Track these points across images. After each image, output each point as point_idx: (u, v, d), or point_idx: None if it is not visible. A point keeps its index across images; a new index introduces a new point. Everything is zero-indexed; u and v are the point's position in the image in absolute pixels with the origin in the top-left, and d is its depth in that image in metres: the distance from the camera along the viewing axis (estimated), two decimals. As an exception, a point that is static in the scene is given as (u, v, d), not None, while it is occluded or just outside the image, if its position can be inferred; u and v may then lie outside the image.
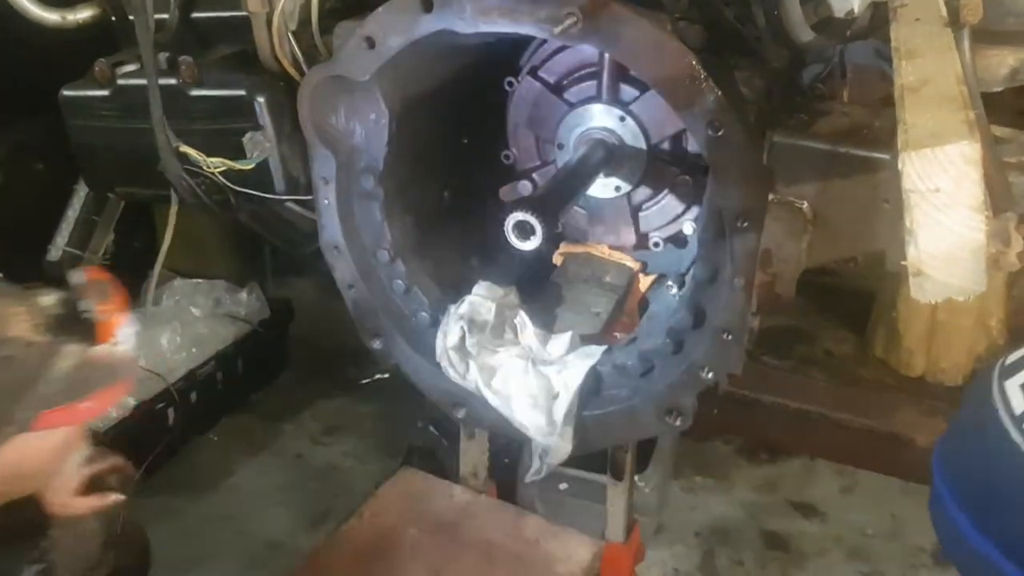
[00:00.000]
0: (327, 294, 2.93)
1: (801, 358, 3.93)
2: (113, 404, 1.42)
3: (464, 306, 2.02)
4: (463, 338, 1.99)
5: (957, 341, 3.62)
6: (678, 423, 1.84)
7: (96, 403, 1.36)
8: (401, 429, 3.23)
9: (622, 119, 2.07)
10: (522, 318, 2.06)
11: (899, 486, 3.00)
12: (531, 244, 1.82)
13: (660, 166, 2.12)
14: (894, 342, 3.87)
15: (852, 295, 3.85)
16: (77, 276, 1.45)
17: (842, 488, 3.19)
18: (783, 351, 3.88)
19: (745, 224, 1.59)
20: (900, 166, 0.99)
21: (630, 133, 2.08)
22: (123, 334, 1.45)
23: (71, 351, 1.31)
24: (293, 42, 1.86)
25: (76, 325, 1.38)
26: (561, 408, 1.91)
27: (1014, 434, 1.08)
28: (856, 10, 1.44)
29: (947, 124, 1.01)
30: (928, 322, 3.73)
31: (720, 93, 1.52)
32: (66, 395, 1.30)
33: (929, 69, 1.17)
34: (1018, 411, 1.09)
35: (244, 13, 1.86)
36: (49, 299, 1.39)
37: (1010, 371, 1.14)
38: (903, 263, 1.04)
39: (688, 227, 2.19)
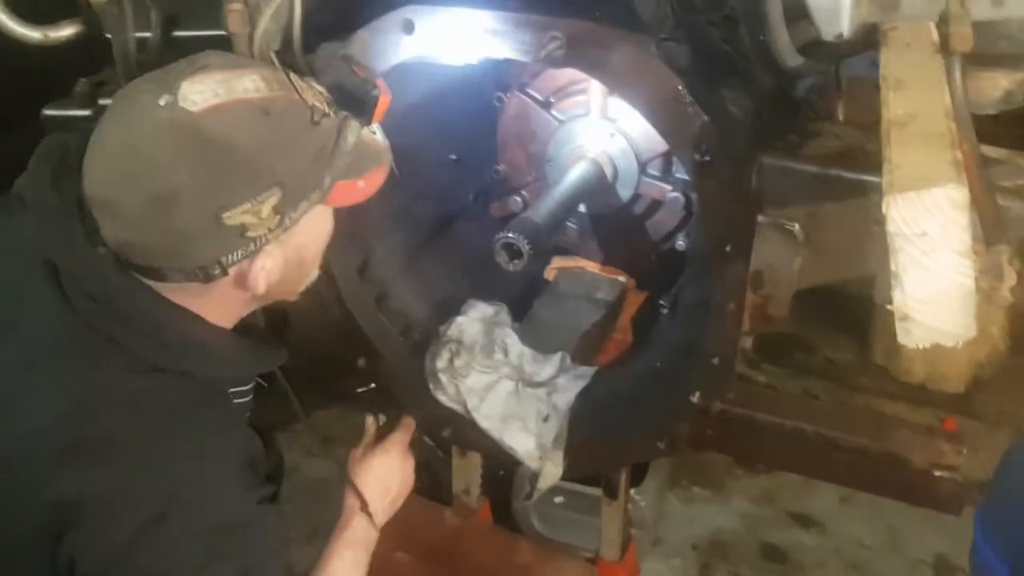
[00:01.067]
0: (321, 302, 2.91)
1: (800, 366, 3.90)
2: (378, 187, 1.48)
3: (452, 327, 2.00)
4: (451, 359, 1.97)
5: (958, 348, 3.59)
6: (669, 448, 1.81)
7: (368, 183, 1.44)
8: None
9: (612, 136, 2.05)
10: (512, 337, 2.04)
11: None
12: (517, 265, 1.81)
13: (651, 183, 2.10)
14: (894, 349, 3.83)
15: (852, 301, 3.80)
16: (347, 61, 1.50)
17: (840, 499, 3.16)
18: (782, 359, 3.85)
19: (732, 250, 1.57)
20: (885, 209, 0.96)
21: (620, 150, 2.06)
22: (377, 126, 1.52)
23: (354, 126, 1.39)
24: (276, 62, 1.82)
25: (349, 105, 1.41)
26: (551, 431, 1.89)
27: None
28: (845, 33, 1.40)
29: (934, 166, 0.98)
30: (928, 329, 3.70)
31: (707, 118, 1.50)
32: (351, 168, 1.38)
33: (917, 102, 1.13)
34: None
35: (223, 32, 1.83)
36: (316, 83, 1.43)
37: None
38: (888, 307, 1.01)
39: (680, 243, 2.16)
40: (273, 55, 1.83)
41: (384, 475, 1.78)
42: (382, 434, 1.84)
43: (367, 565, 1.69)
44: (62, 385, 1.28)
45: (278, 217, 1.28)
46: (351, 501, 1.73)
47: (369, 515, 1.71)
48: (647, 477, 2.91)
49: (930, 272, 0.97)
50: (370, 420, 1.88)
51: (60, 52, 2.10)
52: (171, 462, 1.28)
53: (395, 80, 1.76)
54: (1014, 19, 1.41)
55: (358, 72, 1.46)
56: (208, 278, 1.28)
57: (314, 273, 1.52)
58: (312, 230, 1.39)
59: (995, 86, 1.44)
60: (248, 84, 1.28)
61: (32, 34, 2.07)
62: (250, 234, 1.27)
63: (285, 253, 1.35)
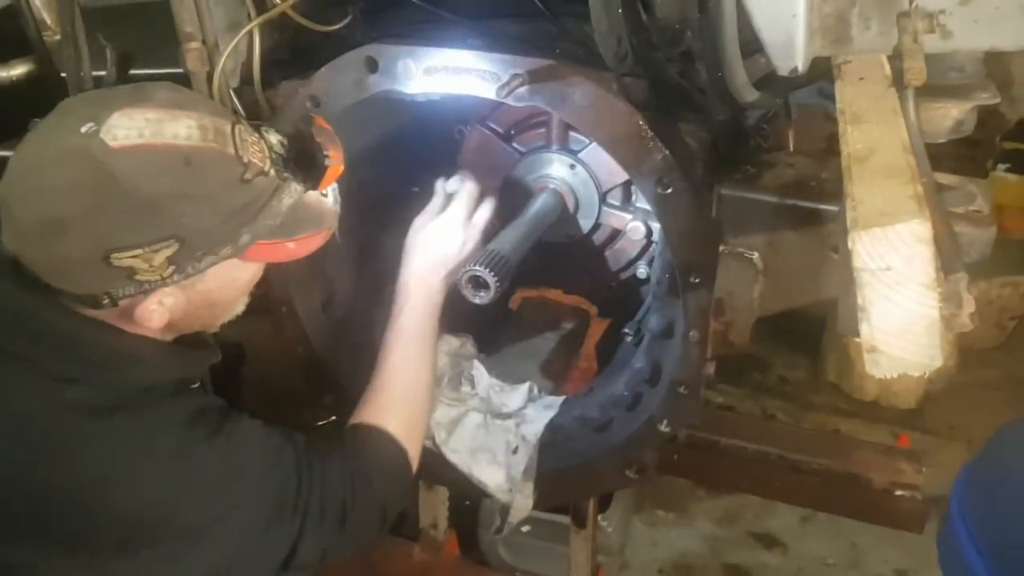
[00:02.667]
0: (279, 333, 2.88)
1: (756, 386, 3.97)
2: (313, 249, 1.45)
3: None
4: None
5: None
6: (638, 477, 1.82)
7: (300, 245, 1.41)
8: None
9: (572, 167, 2.07)
10: (479, 369, 2.04)
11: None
12: (485, 298, 1.81)
13: (612, 212, 2.12)
14: (846, 367, 3.93)
15: (804, 321, 3.89)
16: (306, 122, 1.46)
17: (802, 518, 3.21)
18: (738, 379, 3.91)
19: (697, 279, 1.59)
20: (850, 245, 0.99)
21: (581, 181, 2.08)
22: (332, 188, 1.50)
23: (294, 190, 1.37)
24: (235, 99, 1.82)
25: (297, 167, 1.41)
26: (521, 463, 1.89)
27: None
28: (800, 67, 1.44)
29: (896, 201, 1.01)
30: (879, 347, 3.78)
31: (667, 152, 1.52)
32: (282, 229, 1.36)
33: (875, 136, 1.17)
34: None
35: (181, 71, 1.82)
36: (275, 137, 1.42)
37: None
38: (856, 339, 1.03)
39: (641, 271, 2.19)
40: (232, 93, 1.83)
41: (444, 244, 1.81)
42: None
43: (433, 338, 1.78)
44: None
45: (172, 267, 1.25)
46: (407, 275, 1.79)
47: (427, 289, 1.77)
48: (613, 503, 2.93)
49: (896, 305, 1.00)
50: (439, 183, 1.90)
51: (12, 91, 2.08)
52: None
53: (357, 116, 1.77)
54: (962, 51, 1.47)
55: (317, 136, 1.43)
56: (96, 306, 1.27)
57: (237, 308, 1.50)
58: (222, 280, 1.36)
59: (946, 116, 1.49)
60: (181, 129, 1.25)
61: (-18, 73, 2.04)
62: (139, 278, 1.25)
63: (188, 296, 1.33)
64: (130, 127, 1.21)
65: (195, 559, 1.35)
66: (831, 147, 1.96)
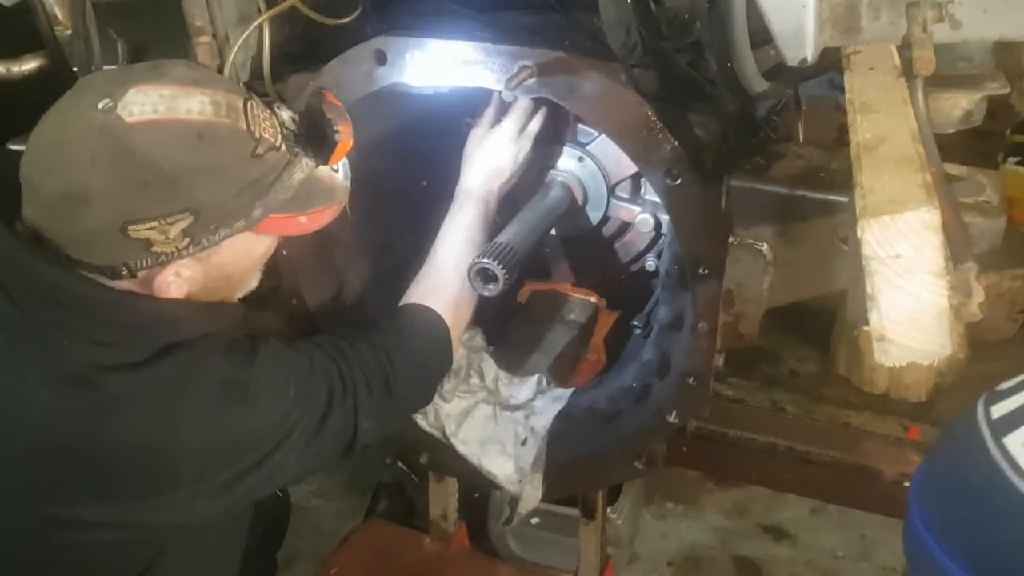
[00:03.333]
0: (291, 326, 2.89)
1: (766, 379, 3.96)
2: (325, 223, 1.51)
3: None
4: (442, 385, 1.96)
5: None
6: (647, 468, 1.83)
7: (311, 219, 1.46)
8: (369, 466, 3.20)
9: (581, 160, 2.07)
10: (488, 361, 2.05)
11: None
12: (493, 290, 1.82)
13: (621, 205, 2.12)
14: (856, 360, 3.92)
15: (814, 314, 3.88)
16: (317, 97, 1.48)
17: (811, 510, 3.21)
18: (747, 371, 3.90)
19: (706, 271, 1.59)
20: (859, 233, 0.99)
21: (589, 173, 2.08)
22: (342, 163, 1.53)
23: (305, 164, 1.41)
24: (243, 88, 1.82)
25: (308, 142, 1.44)
26: (529, 454, 1.90)
27: None
28: (810, 58, 1.43)
29: (905, 189, 1.01)
30: (889, 339, 3.77)
31: (676, 143, 1.52)
32: (293, 203, 1.40)
33: (884, 125, 1.16)
34: None
35: (194, 64, 1.83)
36: (287, 113, 1.46)
37: (1004, 427, 1.07)
38: (865, 328, 1.03)
39: (651, 264, 2.19)
40: (243, 87, 1.84)
41: (498, 155, 1.89)
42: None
43: (483, 240, 1.84)
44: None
45: (188, 239, 1.30)
46: (465, 183, 1.88)
47: (483, 195, 1.86)
48: (622, 495, 2.93)
49: (905, 293, 0.99)
50: (496, 95, 1.94)
51: (24, 86, 2.08)
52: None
53: (367, 109, 1.78)
54: (971, 41, 1.46)
55: (327, 112, 1.46)
56: (116, 276, 1.31)
57: (252, 282, 1.56)
58: (237, 253, 1.41)
59: (955, 106, 1.49)
60: (194, 105, 1.29)
61: (-6, 67, 2.04)
62: (155, 249, 1.29)
63: (205, 268, 1.38)
64: (145, 103, 1.25)
65: (267, 470, 1.44)
66: (841, 138, 1.95)
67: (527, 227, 1.93)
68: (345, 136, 1.45)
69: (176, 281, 1.35)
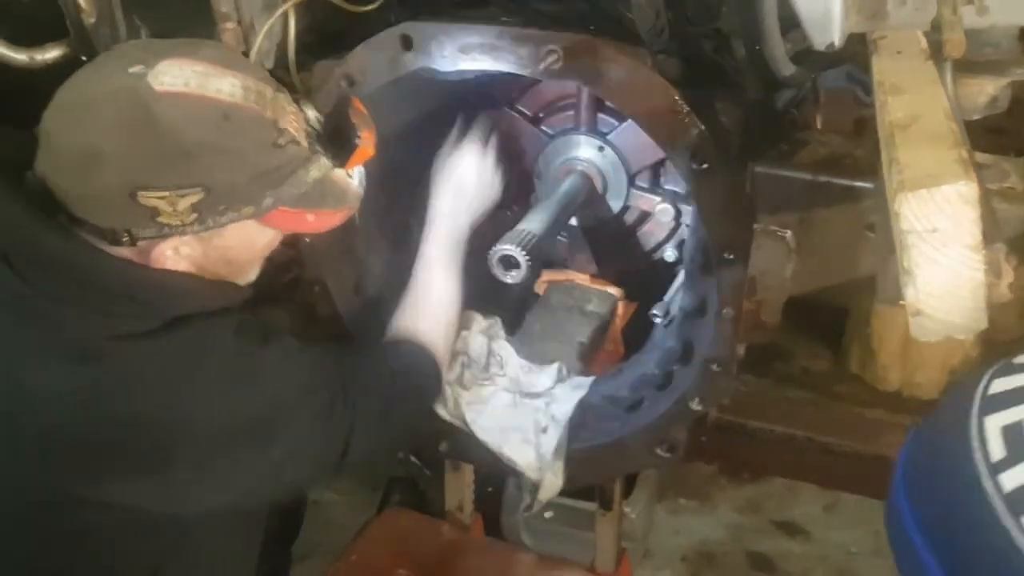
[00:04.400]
0: (302, 322, 2.90)
1: (778, 376, 3.95)
2: (332, 226, 1.52)
3: (459, 341, 2.00)
4: (461, 373, 1.97)
5: (931, 355, 3.66)
6: (669, 455, 1.83)
7: (319, 219, 1.46)
8: (382, 460, 3.20)
9: (601, 149, 2.08)
10: (507, 349, 2.05)
11: (882, 503, 3.00)
12: (515, 277, 1.83)
13: (640, 195, 2.13)
14: (869, 358, 3.91)
15: (826, 311, 3.87)
16: (344, 102, 1.49)
17: (825, 506, 3.21)
18: (761, 369, 3.90)
19: (731, 256, 1.60)
20: (896, 207, 0.99)
21: (609, 163, 2.09)
22: (358, 170, 1.53)
23: (322, 164, 1.41)
24: (271, 80, 1.83)
25: (330, 144, 1.44)
26: (551, 442, 1.90)
27: (985, 482, 0.95)
28: (837, 43, 1.44)
29: (942, 163, 1.01)
30: (902, 337, 3.77)
31: (703, 127, 1.53)
32: (304, 199, 1.39)
33: (916, 105, 1.17)
34: (994, 457, 0.96)
35: (219, 52, 1.84)
36: (313, 112, 1.45)
37: (993, 405, 1.01)
38: (902, 303, 1.03)
39: (669, 254, 2.19)
40: (268, 74, 1.85)
41: (460, 175, 1.94)
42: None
43: (457, 263, 1.89)
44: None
45: (195, 215, 1.29)
46: (434, 204, 1.93)
47: (449, 213, 1.90)
48: (636, 489, 2.93)
49: (942, 267, 0.99)
50: (459, 117, 2.03)
51: (47, 74, 2.09)
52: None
53: (391, 97, 1.79)
54: (998, 27, 1.47)
55: (353, 116, 1.46)
56: (116, 242, 1.30)
57: (250, 274, 1.54)
58: (240, 239, 1.41)
59: (981, 92, 1.49)
60: (224, 86, 1.29)
61: (17, 56, 2.05)
62: (161, 219, 1.28)
63: (205, 249, 1.38)
64: (177, 75, 1.26)
65: (268, 469, 1.45)
66: (859, 131, 1.97)
67: (548, 215, 1.94)
68: (367, 143, 1.46)
69: (173, 257, 1.35)
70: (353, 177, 1.52)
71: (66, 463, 1.35)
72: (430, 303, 1.84)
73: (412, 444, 1.92)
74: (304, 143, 1.39)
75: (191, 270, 1.39)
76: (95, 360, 1.33)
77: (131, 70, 1.25)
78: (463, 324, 1.98)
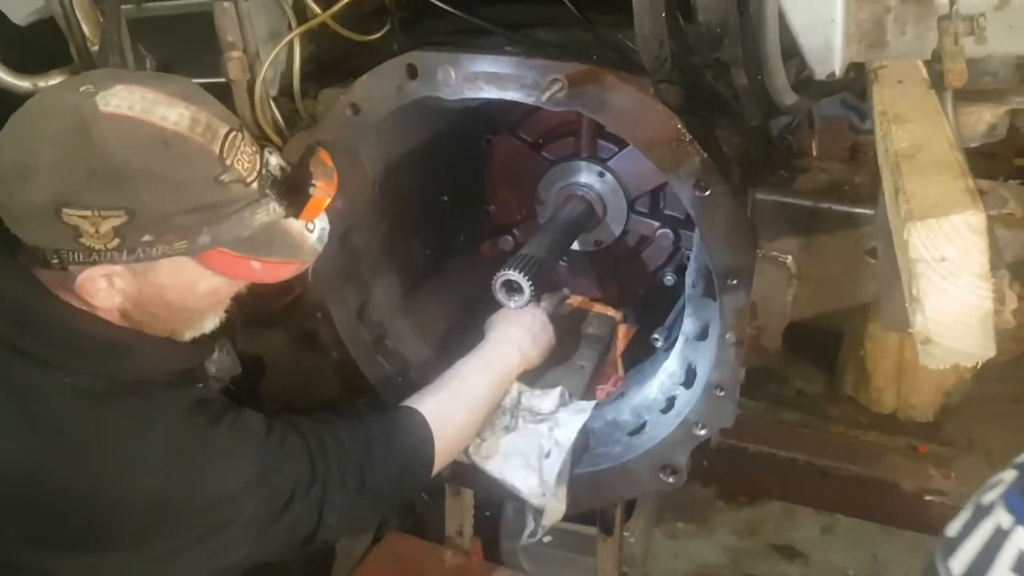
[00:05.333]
0: (298, 346, 2.89)
1: (773, 398, 3.96)
2: (281, 278, 1.45)
3: None
4: None
5: (925, 378, 3.67)
6: (672, 480, 1.83)
7: (266, 268, 1.40)
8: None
9: (601, 175, 2.10)
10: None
11: (879, 526, 3.02)
12: (519, 302, 1.84)
13: (640, 220, 2.15)
14: (863, 380, 3.91)
15: (821, 333, 3.88)
16: (308, 152, 1.45)
17: (823, 529, 3.20)
18: (755, 391, 3.90)
19: (735, 282, 1.61)
20: (905, 236, 1.00)
21: (609, 189, 2.11)
22: (319, 222, 1.48)
23: (272, 209, 1.36)
24: (275, 108, 1.85)
25: (285, 191, 1.40)
26: (554, 467, 1.90)
27: None
28: (837, 72, 1.46)
29: (949, 193, 1.03)
30: (896, 360, 3.78)
31: (705, 155, 1.54)
32: (250, 245, 1.35)
33: (920, 135, 1.19)
34: None
35: (223, 79, 1.85)
36: (276, 159, 1.42)
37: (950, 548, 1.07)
38: (910, 331, 1.05)
39: (669, 278, 2.21)
40: (271, 102, 1.86)
41: (515, 313, 1.96)
42: None
43: (497, 382, 1.88)
44: None
45: (118, 240, 1.26)
46: (490, 335, 1.94)
47: (504, 339, 1.92)
48: (634, 513, 2.92)
49: (951, 296, 1.01)
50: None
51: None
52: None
53: (394, 125, 1.80)
54: (996, 56, 1.49)
55: (312, 166, 1.42)
56: (47, 264, 1.29)
57: (204, 322, 1.49)
58: (176, 278, 1.35)
59: (980, 120, 1.52)
60: (172, 114, 1.27)
61: (21, 83, 2.05)
62: (83, 241, 1.26)
63: (140, 285, 1.34)
64: (125, 98, 1.26)
65: (212, 547, 1.38)
66: (855, 156, 1.99)
67: (550, 240, 1.96)
68: (322, 192, 1.40)
69: (107, 289, 1.32)
70: (312, 231, 1.47)
71: (4, 525, 1.31)
72: (455, 393, 1.80)
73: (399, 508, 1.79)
74: (254, 184, 1.35)
75: (129, 307, 1.36)
76: (47, 416, 1.31)
77: (81, 89, 1.25)
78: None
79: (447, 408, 1.76)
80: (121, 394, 1.35)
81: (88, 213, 1.23)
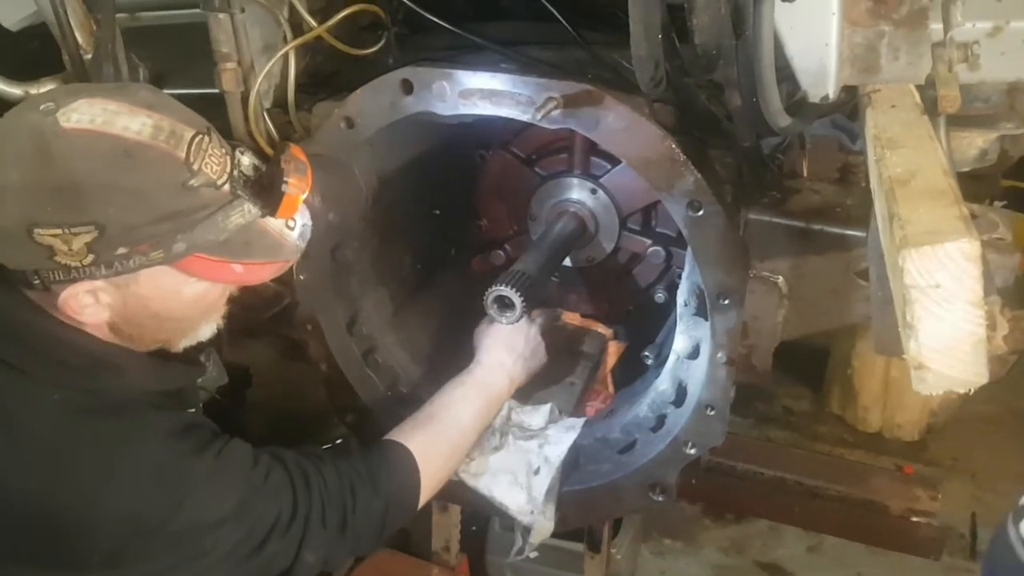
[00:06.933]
0: (284, 357, 2.87)
1: (760, 416, 3.99)
2: (265, 279, 1.43)
3: None
4: None
5: (911, 398, 3.70)
6: (661, 498, 1.83)
7: (248, 270, 1.37)
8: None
9: (594, 192, 2.11)
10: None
11: (865, 546, 3.02)
12: (510, 318, 1.83)
13: (632, 237, 2.15)
14: (850, 399, 3.96)
15: (808, 352, 3.91)
16: (281, 148, 1.43)
17: (808, 548, 3.21)
18: (743, 409, 3.93)
19: (726, 301, 1.61)
20: (900, 262, 1.01)
21: (602, 205, 2.11)
22: (300, 218, 1.45)
23: (246, 210, 1.34)
24: (268, 120, 1.84)
25: (258, 190, 1.37)
26: (543, 485, 1.89)
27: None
28: (831, 95, 1.47)
29: (943, 220, 1.03)
30: (882, 379, 3.82)
31: (699, 175, 1.55)
32: (228, 248, 1.33)
33: (914, 160, 1.19)
34: None
35: (216, 91, 1.84)
36: (248, 159, 1.39)
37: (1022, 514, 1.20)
38: (904, 356, 1.05)
39: (659, 296, 2.21)
40: (265, 114, 1.86)
41: (508, 335, 1.95)
42: None
43: (486, 410, 1.86)
44: None
45: (92, 256, 1.24)
46: (478, 354, 1.92)
47: (491, 363, 1.89)
48: (621, 530, 2.92)
49: (944, 322, 1.01)
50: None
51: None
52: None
53: (388, 139, 1.80)
54: (988, 82, 1.50)
55: (284, 162, 1.40)
56: (29, 285, 1.28)
57: (198, 329, 1.48)
58: (157, 288, 1.33)
59: (971, 145, 1.53)
60: (134, 124, 1.25)
61: (13, 91, 2.04)
62: (58, 259, 1.24)
63: (124, 298, 1.32)
64: (85, 112, 1.24)
65: (187, 573, 1.36)
66: (844, 177, 2.00)
67: (542, 256, 1.95)
68: (295, 190, 1.38)
69: (94, 305, 1.30)
70: (293, 228, 1.44)
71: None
72: (442, 423, 1.77)
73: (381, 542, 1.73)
74: (225, 187, 1.32)
75: (116, 321, 1.35)
76: (23, 432, 1.30)
77: (42, 107, 1.23)
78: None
79: (435, 441, 1.73)
80: (107, 412, 1.33)
81: (58, 231, 1.22)
